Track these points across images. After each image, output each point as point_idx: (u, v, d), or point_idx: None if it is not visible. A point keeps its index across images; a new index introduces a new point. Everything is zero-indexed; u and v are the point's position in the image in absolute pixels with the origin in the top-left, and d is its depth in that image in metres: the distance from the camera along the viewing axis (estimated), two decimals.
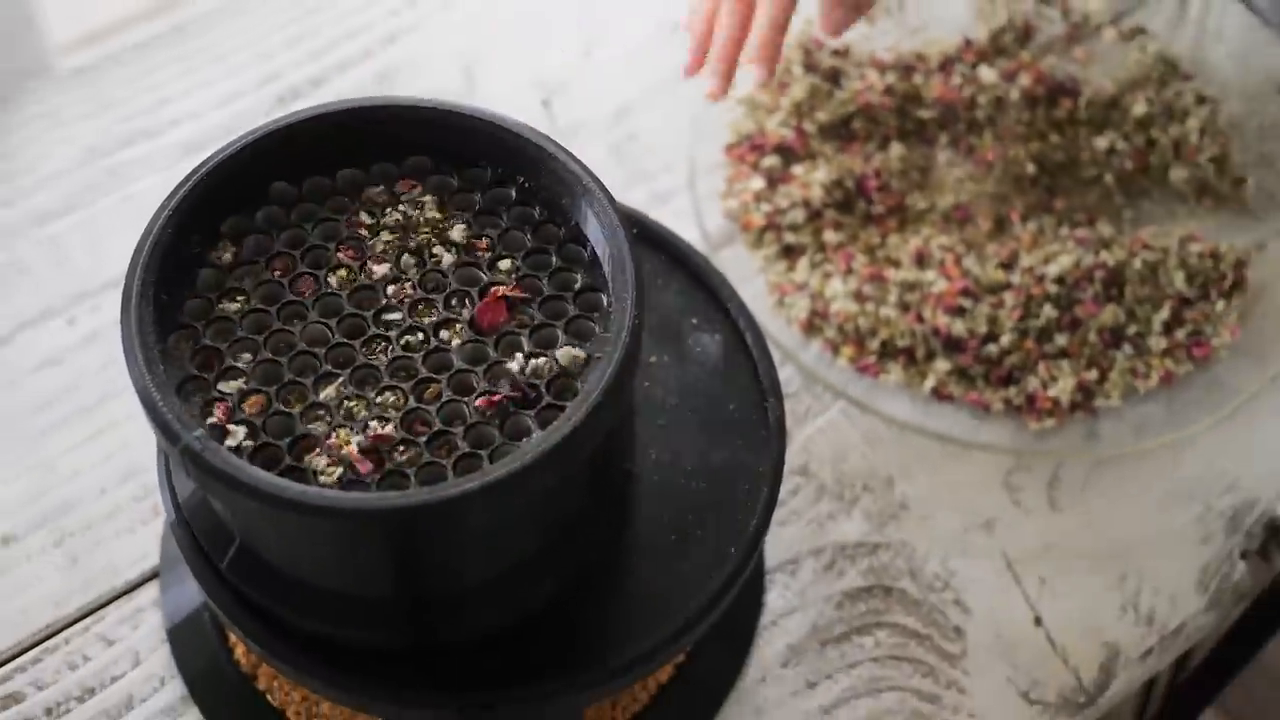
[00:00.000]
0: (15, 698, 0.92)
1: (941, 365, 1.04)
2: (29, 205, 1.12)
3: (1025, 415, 1.04)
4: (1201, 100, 1.20)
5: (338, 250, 0.76)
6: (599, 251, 0.75)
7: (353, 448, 0.69)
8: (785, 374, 0.88)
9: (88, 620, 0.95)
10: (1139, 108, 1.17)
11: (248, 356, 0.72)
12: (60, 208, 1.12)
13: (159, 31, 1.23)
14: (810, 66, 1.20)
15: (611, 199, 0.75)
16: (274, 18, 1.25)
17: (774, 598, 0.98)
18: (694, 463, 0.84)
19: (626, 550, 0.81)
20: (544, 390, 0.71)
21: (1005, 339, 1.05)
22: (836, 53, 1.21)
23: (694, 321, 0.89)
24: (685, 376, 0.87)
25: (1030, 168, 1.13)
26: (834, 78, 1.20)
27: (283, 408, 0.70)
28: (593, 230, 0.75)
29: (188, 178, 0.76)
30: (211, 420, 0.70)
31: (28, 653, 0.94)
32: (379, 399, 0.71)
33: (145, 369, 0.70)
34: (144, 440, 1.02)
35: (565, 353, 0.72)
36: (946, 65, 1.21)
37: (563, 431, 0.67)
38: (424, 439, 0.69)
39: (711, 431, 0.85)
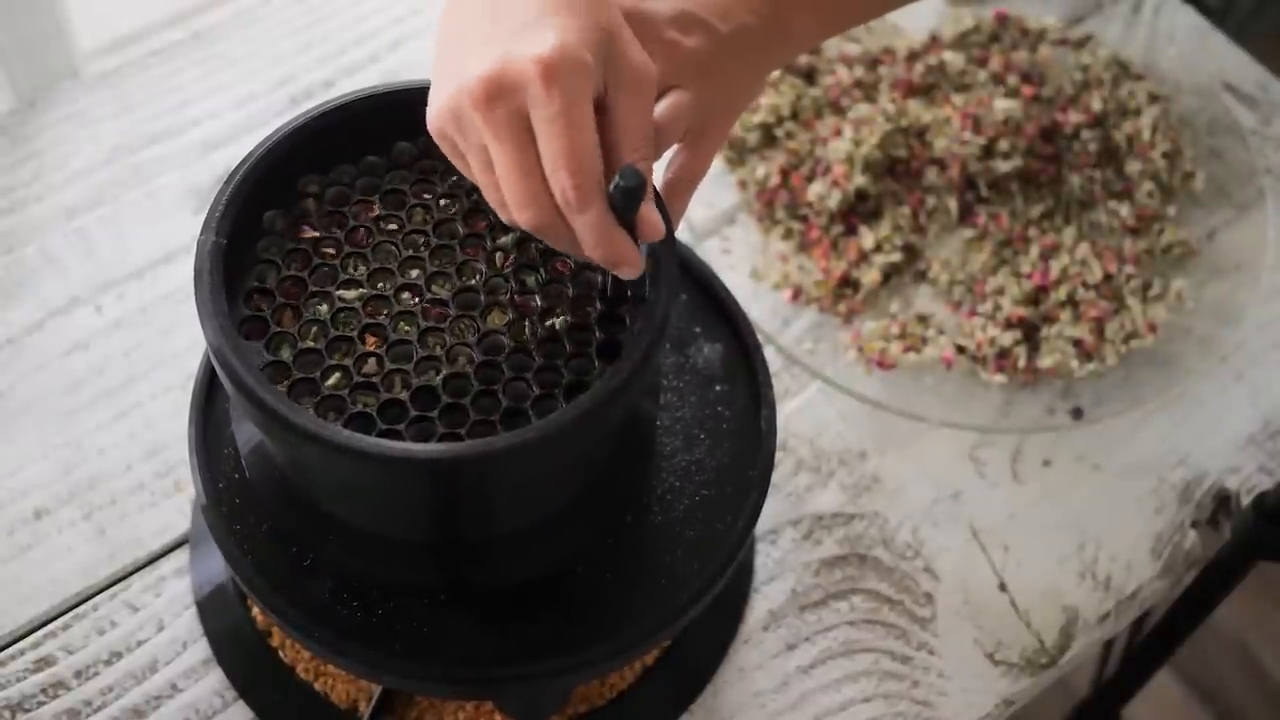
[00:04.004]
0: (47, 661, 0.92)
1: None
2: (58, 200, 1.12)
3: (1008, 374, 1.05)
4: (1153, 99, 1.20)
5: (410, 212, 0.76)
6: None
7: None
8: (765, 355, 0.88)
9: (115, 588, 0.95)
10: (1095, 104, 1.17)
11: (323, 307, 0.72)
12: (87, 202, 1.12)
13: (179, 39, 1.23)
14: (787, 66, 1.20)
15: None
16: (285, 25, 1.24)
17: (756, 565, 0.98)
18: (691, 461, 0.84)
19: (625, 540, 0.81)
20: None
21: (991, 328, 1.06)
22: (811, 51, 1.21)
23: (697, 330, 0.89)
24: (687, 380, 0.87)
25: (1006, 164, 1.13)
26: (809, 75, 1.20)
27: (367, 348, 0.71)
28: None
29: (260, 145, 0.75)
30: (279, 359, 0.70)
31: (59, 619, 0.94)
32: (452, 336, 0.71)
33: (220, 323, 0.69)
34: (166, 419, 1.02)
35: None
36: (913, 57, 1.21)
37: (622, 373, 0.68)
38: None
39: (709, 432, 0.85)
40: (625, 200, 0.65)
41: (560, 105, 0.63)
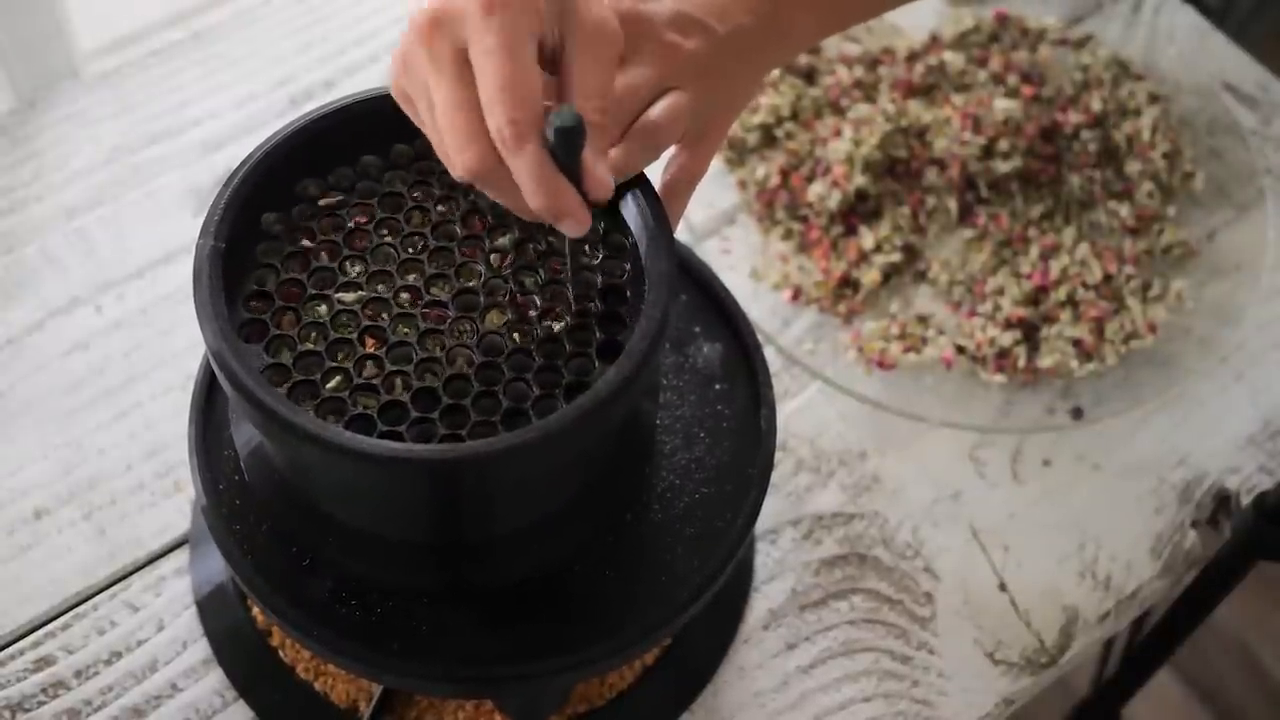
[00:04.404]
0: (47, 660, 0.92)
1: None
2: (58, 200, 1.12)
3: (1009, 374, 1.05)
4: (1153, 99, 1.20)
5: (408, 214, 0.76)
6: (633, 225, 0.74)
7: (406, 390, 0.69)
8: (765, 355, 0.88)
9: (115, 588, 0.95)
10: (1095, 104, 1.17)
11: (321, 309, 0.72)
12: (87, 202, 1.12)
13: (179, 39, 1.23)
14: (787, 66, 1.20)
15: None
16: (285, 25, 1.24)
17: (756, 565, 0.98)
18: (691, 460, 0.84)
19: (625, 538, 0.81)
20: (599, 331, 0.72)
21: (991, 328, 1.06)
22: (811, 51, 1.21)
23: (697, 330, 0.89)
24: (687, 379, 0.87)
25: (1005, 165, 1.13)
26: (809, 75, 1.20)
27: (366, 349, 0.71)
28: (628, 209, 0.74)
29: (258, 149, 0.74)
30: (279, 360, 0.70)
31: (59, 619, 0.94)
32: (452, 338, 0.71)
33: (219, 324, 0.69)
34: (166, 420, 1.02)
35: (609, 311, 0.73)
36: (913, 58, 1.21)
37: (622, 373, 0.68)
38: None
39: (708, 430, 0.85)
40: (562, 142, 0.63)
41: (498, 37, 0.62)
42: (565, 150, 0.63)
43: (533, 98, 0.62)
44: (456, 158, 0.65)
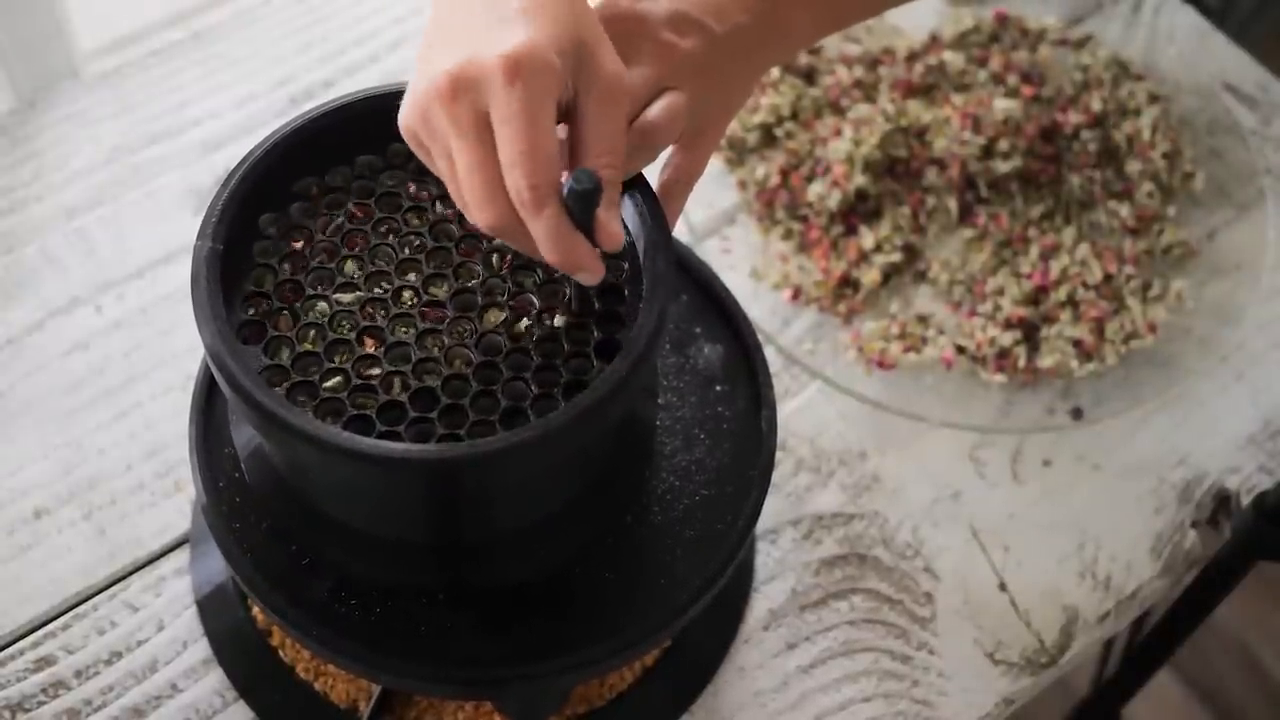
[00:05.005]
0: (47, 660, 0.92)
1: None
2: (58, 200, 1.12)
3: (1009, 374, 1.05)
4: (1153, 99, 1.20)
5: (406, 214, 0.76)
6: (631, 224, 0.74)
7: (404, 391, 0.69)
8: (765, 355, 0.88)
9: (115, 588, 0.95)
10: (1095, 104, 1.17)
11: (321, 305, 0.72)
12: (87, 202, 1.12)
13: (179, 39, 1.23)
14: (787, 66, 1.20)
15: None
16: (285, 25, 1.24)
17: (756, 565, 0.98)
18: (691, 461, 0.84)
19: (625, 540, 0.81)
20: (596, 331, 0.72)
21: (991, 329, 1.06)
22: (811, 51, 1.21)
23: (698, 331, 0.89)
24: (687, 380, 0.87)
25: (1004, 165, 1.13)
26: (809, 75, 1.20)
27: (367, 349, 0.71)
28: (626, 209, 0.74)
29: (255, 149, 0.74)
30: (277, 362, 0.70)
31: (59, 619, 0.94)
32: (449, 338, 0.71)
33: (217, 325, 0.69)
34: (166, 420, 1.02)
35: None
36: (913, 58, 1.21)
37: (620, 372, 0.68)
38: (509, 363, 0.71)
39: (709, 432, 0.85)
40: (579, 204, 0.65)
41: (520, 104, 0.63)
42: (581, 210, 0.65)
43: (551, 163, 0.64)
44: (477, 214, 0.66)
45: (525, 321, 0.72)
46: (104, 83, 1.19)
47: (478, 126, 0.64)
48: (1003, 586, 0.99)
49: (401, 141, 0.76)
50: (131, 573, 0.96)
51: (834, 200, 1.10)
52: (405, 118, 0.68)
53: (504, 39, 0.64)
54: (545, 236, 0.65)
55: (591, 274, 0.67)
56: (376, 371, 0.70)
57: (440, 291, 0.73)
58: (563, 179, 0.65)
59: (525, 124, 0.63)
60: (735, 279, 1.09)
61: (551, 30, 0.65)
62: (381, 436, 0.68)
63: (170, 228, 1.11)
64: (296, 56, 1.22)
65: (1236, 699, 1.81)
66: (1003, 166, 1.12)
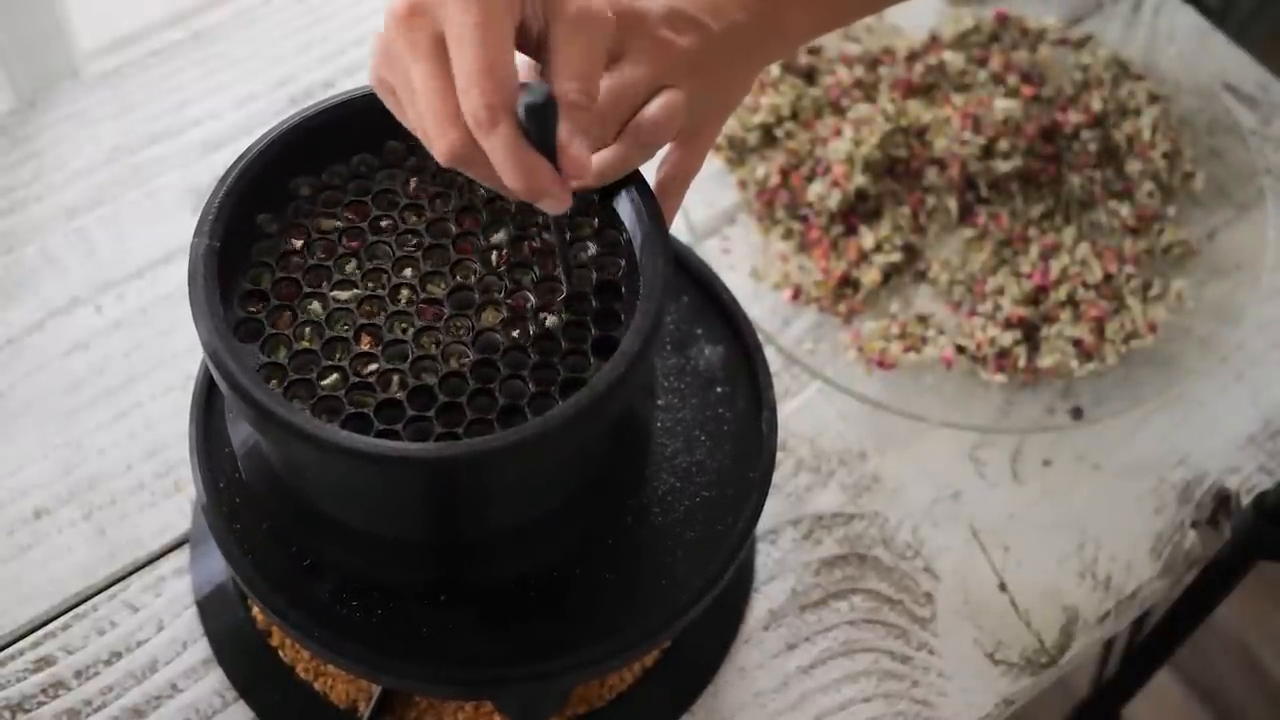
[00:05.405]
0: (47, 661, 0.92)
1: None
2: (58, 200, 1.12)
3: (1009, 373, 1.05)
4: (1153, 99, 1.20)
5: (403, 212, 0.76)
6: (628, 222, 0.74)
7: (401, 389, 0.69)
8: (765, 355, 0.88)
9: (114, 588, 0.95)
10: (1095, 104, 1.17)
11: (315, 306, 0.72)
12: (87, 202, 1.12)
13: (179, 39, 1.23)
14: (787, 66, 1.20)
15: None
16: (285, 25, 1.24)
17: (756, 565, 0.98)
18: (692, 463, 0.84)
19: (625, 541, 0.81)
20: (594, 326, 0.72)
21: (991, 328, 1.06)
22: (811, 51, 1.21)
23: (698, 332, 0.89)
24: (688, 381, 0.87)
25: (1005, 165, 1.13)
26: (809, 75, 1.20)
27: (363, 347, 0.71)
28: (623, 206, 0.74)
29: (251, 147, 0.74)
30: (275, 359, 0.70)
31: (59, 619, 0.94)
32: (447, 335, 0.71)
33: (216, 324, 0.69)
34: (166, 420, 1.02)
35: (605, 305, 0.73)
36: (913, 58, 1.21)
37: (618, 370, 0.67)
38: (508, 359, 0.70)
39: (709, 433, 0.85)
40: (533, 120, 0.63)
41: (475, 18, 0.62)
42: (538, 128, 0.63)
43: (506, 80, 0.62)
44: (436, 140, 0.64)
45: (523, 319, 0.72)
46: (104, 83, 1.19)
47: (434, 47, 0.63)
48: (1003, 586, 0.99)
49: (398, 139, 0.76)
50: (131, 573, 0.96)
51: (834, 200, 1.10)
52: (372, 63, 0.67)
53: None
54: (500, 157, 0.63)
55: (556, 200, 0.65)
56: (374, 369, 0.70)
57: (438, 289, 0.73)
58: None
59: (479, 39, 0.62)
60: (735, 279, 1.09)
61: None
62: (379, 435, 0.67)
63: (170, 228, 1.11)
64: (296, 56, 1.22)
65: (1236, 699, 1.81)
66: (1003, 166, 1.12)
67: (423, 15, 0.63)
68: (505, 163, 0.63)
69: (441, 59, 0.63)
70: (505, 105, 0.62)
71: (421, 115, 0.65)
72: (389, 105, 0.69)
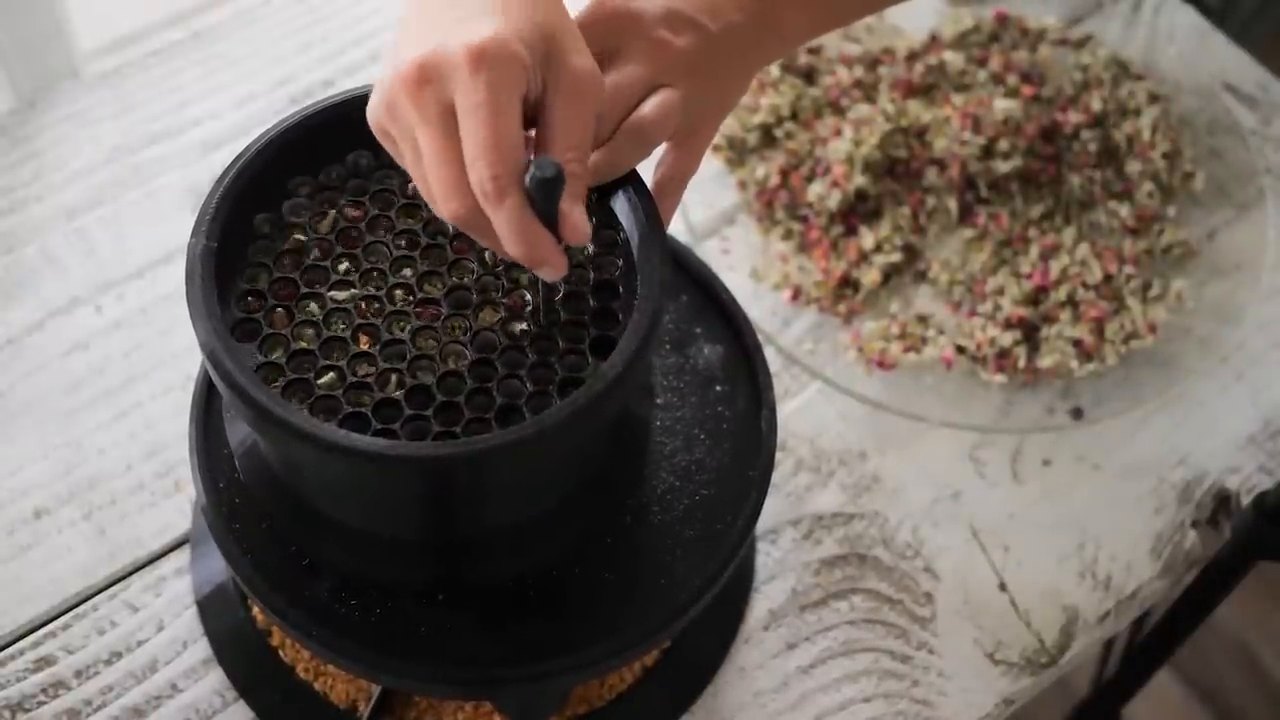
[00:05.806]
0: (47, 660, 0.92)
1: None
2: (58, 200, 1.12)
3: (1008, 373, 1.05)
4: (1153, 99, 1.20)
5: (400, 211, 0.76)
6: (625, 221, 0.74)
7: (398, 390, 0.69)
8: (765, 355, 0.88)
9: (115, 588, 0.95)
10: (1095, 104, 1.17)
11: (311, 307, 0.72)
12: (87, 202, 1.12)
13: (179, 39, 1.23)
14: (787, 66, 1.20)
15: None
16: (285, 25, 1.24)
17: (756, 565, 0.98)
18: (691, 461, 0.84)
19: (625, 540, 0.81)
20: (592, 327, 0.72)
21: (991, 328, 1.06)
22: (811, 51, 1.21)
23: (698, 331, 0.89)
24: (687, 380, 0.87)
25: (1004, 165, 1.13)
26: (809, 75, 1.20)
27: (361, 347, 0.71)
28: (620, 205, 0.74)
29: (248, 147, 0.74)
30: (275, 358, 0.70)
31: (59, 619, 0.94)
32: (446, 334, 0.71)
33: (214, 323, 0.69)
34: (166, 420, 1.02)
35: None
36: (913, 58, 1.21)
37: (616, 369, 0.67)
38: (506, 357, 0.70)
39: (709, 432, 0.85)
40: (542, 193, 0.64)
41: (484, 94, 0.63)
42: (544, 199, 0.64)
43: (514, 153, 0.64)
44: (442, 206, 0.66)
45: (521, 318, 0.72)
46: (104, 83, 1.19)
47: (443, 116, 0.64)
48: (1003, 586, 0.99)
49: None
50: (131, 573, 0.96)
51: (834, 200, 1.10)
52: (373, 109, 0.68)
53: (471, 31, 0.64)
54: (507, 228, 0.64)
55: (553, 269, 0.66)
56: (372, 369, 0.70)
57: (435, 289, 0.73)
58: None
59: (489, 114, 0.63)
60: (735, 279, 1.09)
61: (519, 23, 0.65)
62: (377, 434, 0.67)
63: (170, 228, 1.11)
64: (296, 56, 1.22)
65: (1236, 699, 1.81)
66: (1003, 166, 1.12)
67: (432, 83, 0.64)
68: (510, 235, 0.65)
69: (450, 127, 0.64)
70: (512, 177, 0.64)
71: (429, 180, 0.66)
72: (386, 148, 0.70)
